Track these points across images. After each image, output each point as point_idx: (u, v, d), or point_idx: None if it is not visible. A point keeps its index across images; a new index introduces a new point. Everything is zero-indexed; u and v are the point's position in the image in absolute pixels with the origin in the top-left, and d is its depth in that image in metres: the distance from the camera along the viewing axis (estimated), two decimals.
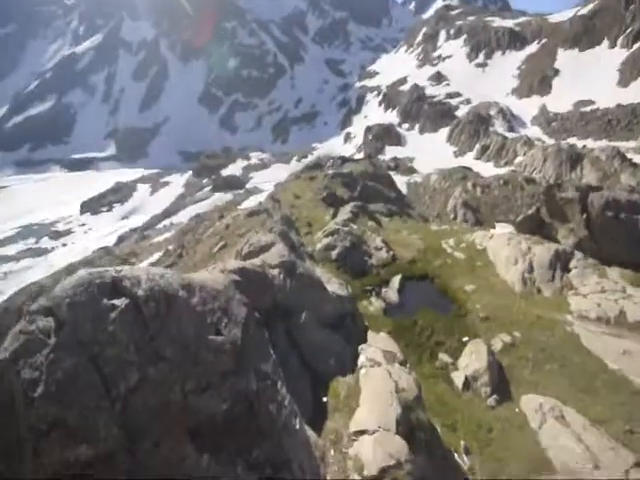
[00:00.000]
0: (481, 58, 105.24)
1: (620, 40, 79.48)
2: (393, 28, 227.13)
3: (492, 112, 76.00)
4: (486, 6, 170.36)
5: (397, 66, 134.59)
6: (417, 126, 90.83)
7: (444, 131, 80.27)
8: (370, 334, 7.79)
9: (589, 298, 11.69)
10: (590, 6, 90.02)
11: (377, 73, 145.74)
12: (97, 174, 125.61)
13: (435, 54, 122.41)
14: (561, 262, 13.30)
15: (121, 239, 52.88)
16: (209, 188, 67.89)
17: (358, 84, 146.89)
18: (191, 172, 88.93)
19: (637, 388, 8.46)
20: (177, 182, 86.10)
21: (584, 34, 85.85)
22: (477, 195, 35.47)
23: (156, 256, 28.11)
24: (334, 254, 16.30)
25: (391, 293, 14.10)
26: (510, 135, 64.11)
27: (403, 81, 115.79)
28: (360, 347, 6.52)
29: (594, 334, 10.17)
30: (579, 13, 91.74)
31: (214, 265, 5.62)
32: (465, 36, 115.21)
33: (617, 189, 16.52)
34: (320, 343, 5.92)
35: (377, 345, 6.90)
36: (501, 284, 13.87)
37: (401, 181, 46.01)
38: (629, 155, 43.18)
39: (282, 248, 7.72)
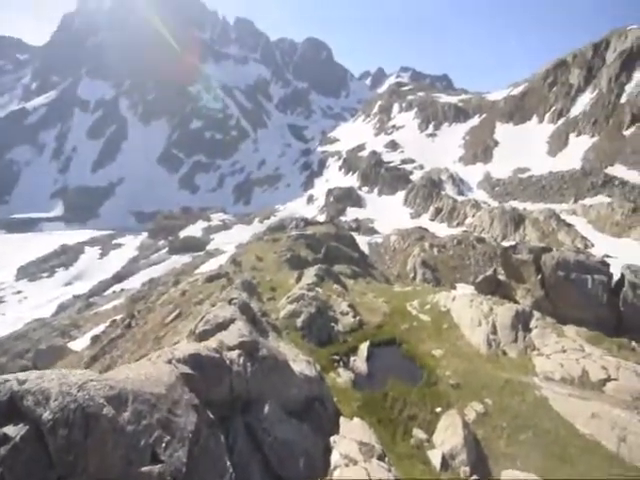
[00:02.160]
0: (431, 129, 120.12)
1: (547, 116, 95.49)
2: (351, 99, 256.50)
3: (443, 177, 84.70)
4: (433, 84, 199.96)
5: (356, 134, 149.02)
6: (376, 189, 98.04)
7: (401, 194, 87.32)
8: (343, 422, 7.34)
9: (552, 358, 12.17)
10: (520, 88, 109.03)
11: (337, 139, 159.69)
12: (40, 236, 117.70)
13: (390, 124, 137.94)
14: (522, 322, 13.99)
15: (62, 308, 48.13)
16: (165, 250, 65.79)
17: (320, 149, 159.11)
18: (146, 233, 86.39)
19: (610, 453, 8.54)
20: (130, 244, 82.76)
21: (517, 111, 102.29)
22: (434, 254, 37.61)
23: (101, 327, 25.69)
24: (299, 322, 15.93)
25: (359, 362, 13.76)
26: (460, 198, 71.05)
27: (362, 147, 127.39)
28: (332, 439, 6.04)
29: (561, 396, 10.42)
30: (511, 93, 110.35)
31: (160, 352, 4.99)
32: (416, 109, 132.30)
33: (565, 250, 18.33)
34: (287, 441, 5.30)
35: (351, 435, 6.47)
36: (467, 347, 14.12)
37: (363, 241, 47.92)
38: (563, 216, 49.07)
39: (243, 325, 7.30)
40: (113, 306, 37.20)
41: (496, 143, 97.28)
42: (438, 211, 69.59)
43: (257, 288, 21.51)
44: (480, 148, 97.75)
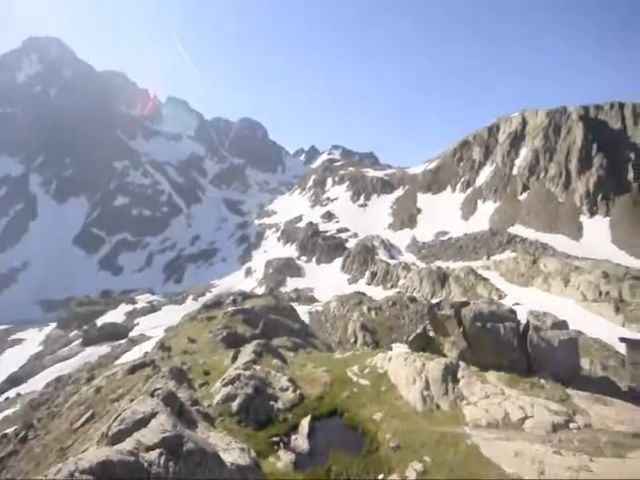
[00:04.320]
0: (362, 200, 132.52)
1: (458, 187, 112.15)
2: (287, 174, 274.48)
3: (375, 243, 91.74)
4: (361, 160, 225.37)
5: (293, 206, 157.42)
6: (314, 258, 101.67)
7: (338, 261, 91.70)
8: None
9: (479, 405, 13.25)
10: (434, 163, 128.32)
11: (275, 212, 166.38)
12: None
13: (324, 196, 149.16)
14: (451, 374, 15.16)
15: None
16: (78, 342, 57.99)
17: (257, 222, 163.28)
18: (55, 324, 75.90)
19: None
20: (33, 338, 71.49)
21: (433, 183, 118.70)
22: (372, 317, 39.20)
23: None
24: (235, 405, 15.16)
25: (301, 440, 13.35)
26: (392, 262, 76.92)
27: (299, 219, 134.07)
28: None
29: (489, 441, 11.26)
30: (427, 168, 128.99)
31: (61, 466, 4.34)
32: (347, 183, 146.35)
33: (480, 302, 20.83)
34: None
35: None
36: (405, 406, 14.67)
37: (303, 311, 48.17)
38: (479, 271, 55.61)
39: (166, 419, 6.90)
40: (4, 417, 30.77)
41: (419, 210, 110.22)
42: (373, 275, 73.81)
43: (188, 374, 20.17)
44: (406, 215, 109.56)
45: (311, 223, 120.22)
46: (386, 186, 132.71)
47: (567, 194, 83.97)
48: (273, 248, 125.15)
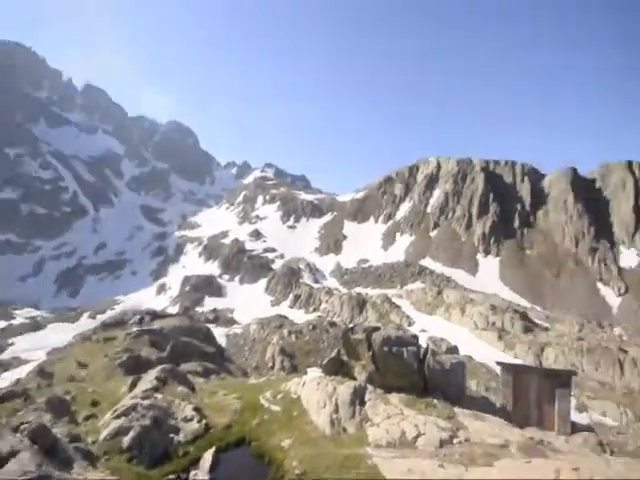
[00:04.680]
0: (291, 221, 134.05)
1: (380, 218, 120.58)
2: (216, 187, 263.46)
3: (301, 266, 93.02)
4: (294, 181, 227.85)
5: (219, 221, 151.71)
6: (237, 277, 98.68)
7: (262, 282, 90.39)
8: None
9: (381, 426, 14.22)
10: (361, 193, 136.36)
11: (199, 225, 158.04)
12: None
13: (254, 214, 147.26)
14: (359, 397, 16.03)
15: None
16: None
17: (178, 233, 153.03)
18: None
19: None
20: None
21: (359, 212, 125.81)
22: (292, 341, 39.38)
23: None
24: (126, 440, 13.77)
25: (201, 475, 12.72)
26: (315, 285, 78.67)
27: (224, 235, 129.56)
28: None
29: (387, 460, 12.14)
30: (355, 197, 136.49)
31: None
32: (279, 202, 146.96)
33: (389, 328, 22.51)
34: None
35: None
36: (314, 431, 15.02)
37: (221, 333, 46.18)
38: (394, 299, 60.11)
39: (29, 458, 6.11)
40: None
41: (344, 237, 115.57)
42: (297, 298, 74.42)
43: (71, 405, 17.83)
44: (332, 241, 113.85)
45: (237, 240, 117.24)
46: (316, 210, 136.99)
47: (468, 234, 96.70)
48: (193, 264, 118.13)
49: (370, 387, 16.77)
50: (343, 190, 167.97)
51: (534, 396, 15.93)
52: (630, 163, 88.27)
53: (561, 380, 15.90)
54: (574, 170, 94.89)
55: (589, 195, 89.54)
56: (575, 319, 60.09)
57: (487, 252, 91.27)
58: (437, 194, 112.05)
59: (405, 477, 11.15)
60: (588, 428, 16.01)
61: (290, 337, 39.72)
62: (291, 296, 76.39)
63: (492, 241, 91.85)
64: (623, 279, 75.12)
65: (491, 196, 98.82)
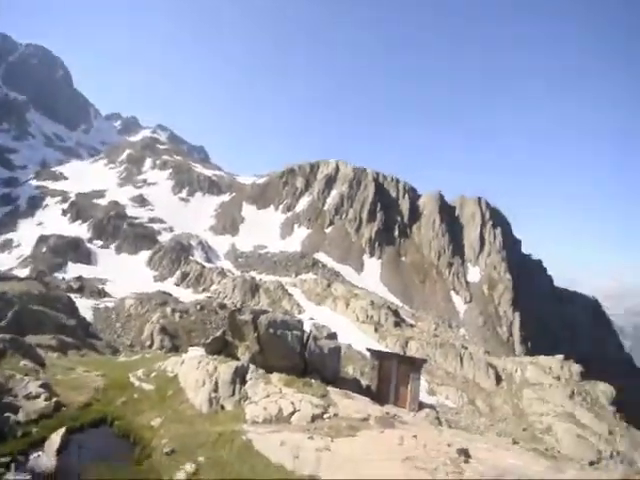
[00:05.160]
0: (184, 194, 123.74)
1: (280, 207, 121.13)
2: (91, 137, 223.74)
3: (193, 243, 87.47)
4: (190, 152, 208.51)
5: (93, 177, 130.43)
6: (113, 245, 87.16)
7: (145, 254, 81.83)
8: None
9: (259, 404, 14.70)
10: (263, 179, 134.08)
11: (65, 177, 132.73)
12: None
13: (139, 177, 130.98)
14: (240, 377, 16.20)
15: None
16: None
17: (35, 182, 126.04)
18: None
19: (288, 471, 11.04)
20: None
21: (260, 197, 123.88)
22: (176, 320, 37.10)
23: None
24: None
25: (45, 459, 11.17)
26: (207, 265, 75.15)
27: (100, 194, 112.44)
28: None
29: (262, 435, 12.67)
30: (256, 182, 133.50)
31: None
32: (171, 171, 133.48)
33: (277, 312, 23.12)
34: None
35: None
36: (190, 409, 14.66)
37: (87, 305, 40.43)
38: (287, 287, 61.86)
39: None
40: None
41: (242, 220, 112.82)
42: (185, 276, 69.82)
43: None
44: (229, 222, 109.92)
45: (117, 203, 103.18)
46: (213, 187, 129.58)
47: (358, 236, 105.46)
48: (53, 222, 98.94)
49: (252, 367, 17.11)
50: (241, 172, 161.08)
51: (394, 378, 18.60)
52: (479, 199, 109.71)
53: (415, 366, 18.96)
54: (441, 196, 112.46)
55: (450, 219, 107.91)
56: (433, 319, 71.69)
57: (372, 254, 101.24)
58: (334, 194, 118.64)
59: (277, 449, 11.86)
60: (431, 406, 19.52)
61: (174, 316, 37.15)
62: (178, 273, 71.19)
63: (377, 245, 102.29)
64: (469, 290, 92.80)
65: (379, 205, 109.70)
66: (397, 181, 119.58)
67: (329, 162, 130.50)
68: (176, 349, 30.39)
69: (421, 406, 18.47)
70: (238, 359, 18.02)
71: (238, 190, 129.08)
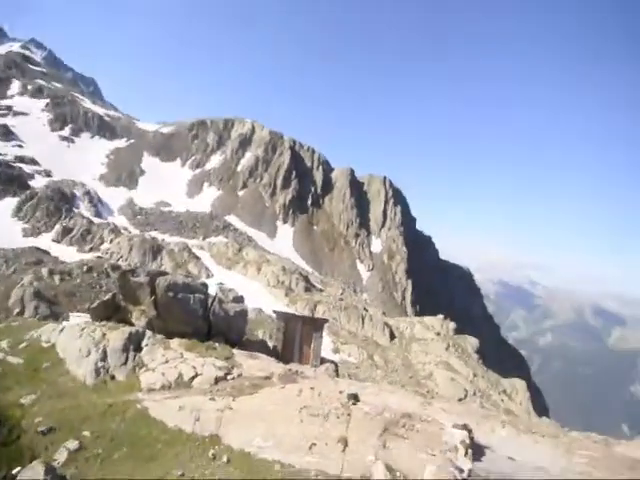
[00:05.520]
0: (67, 132, 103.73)
1: (188, 163, 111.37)
2: None
3: (78, 193, 75.40)
4: (76, 81, 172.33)
5: None
6: None
7: (10, 201, 67.44)
8: None
9: (156, 371, 13.89)
10: (169, 129, 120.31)
11: None
12: None
13: (3, 103, 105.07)
14: (134, 343, 14.97)
15: None
16: None
17: None
18: None
19: (188, 434, 10.82)
20: None
21: (163, 149, 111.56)
22: (55, 284, 32.24)
23: None
24: None
25: None
26: (97, 220, 66.00)
27: None
28: None
29: (158, 402, 12.08)
30: (160, 130, 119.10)
31: None
32: (49, 101, 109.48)
33: (177, 274, 21.64)
34: None
35: None
36: (72, 382, 13.16)
37: None
38: (194, 250, 58.57)
39: None
40: None
41: (142, 172, 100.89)
42: (67, 231, 59.99)
43: None
44: (125, 172, 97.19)
45: None
46: (106, 129, 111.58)
47: (272, 202, 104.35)
48: None
49: (149, 333, 15.97)
50: (142, 118, 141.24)
51: (298, 338, 19.42)
52: (385, 178, 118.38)
53: (317, 325, 20.04)
54: (352, 171, 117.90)
55: (359, 194, 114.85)
56: (340, 285, 76.46)
57: (285, 221, 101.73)
58: (249, 156, 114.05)
59: (176, 414, 11.46)
60: (331, 361, 21.04)
61: (52, 278, 31.79)
62: (58, 227, 60.62)
63: (290, 212, 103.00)
64: (372, 259, 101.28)
65: (294, 173, 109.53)
66: (313, 151, 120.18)
67: (245, 121, 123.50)
68: (56, 317, 26.46)
69: (322, 362, 19.80)
70: (132, 325, 16.56)
71: (138, 137, 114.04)
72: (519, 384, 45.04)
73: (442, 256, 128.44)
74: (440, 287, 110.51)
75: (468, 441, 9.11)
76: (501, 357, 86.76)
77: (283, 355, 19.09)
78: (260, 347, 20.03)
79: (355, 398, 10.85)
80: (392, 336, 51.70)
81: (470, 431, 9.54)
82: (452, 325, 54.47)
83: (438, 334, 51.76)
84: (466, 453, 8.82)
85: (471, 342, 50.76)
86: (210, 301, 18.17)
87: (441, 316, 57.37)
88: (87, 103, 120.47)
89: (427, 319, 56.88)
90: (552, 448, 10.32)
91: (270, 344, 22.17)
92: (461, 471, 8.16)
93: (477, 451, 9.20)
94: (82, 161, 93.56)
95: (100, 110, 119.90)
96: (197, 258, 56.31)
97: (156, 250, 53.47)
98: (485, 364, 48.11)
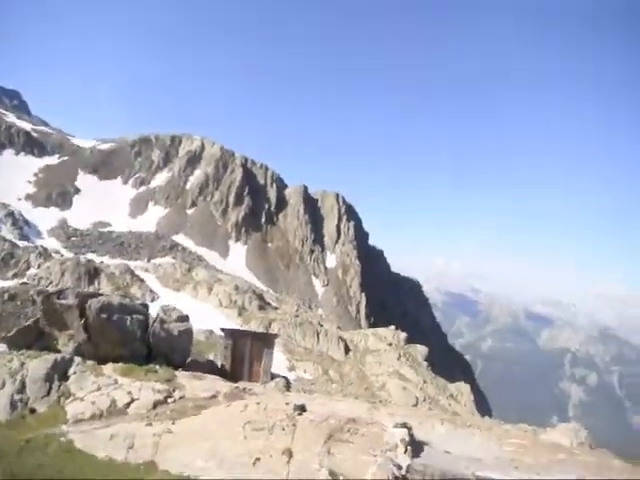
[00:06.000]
0: None
1: (130, 181, 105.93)
2: None
3: (0, 214, 68.35)
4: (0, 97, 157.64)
5: None
6: None
7: None
8: None
9: (85, 400, 12.80)
10: (108, 145, 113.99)
11: None
12: None
13: None
14: (59, 372, 13.72)
15: None
16: None
17: None
18: None
19: (119, 463, 10.01)
20: None
21: (102, 166, 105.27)
22: None
23: None
24: None
25: None
26: (22, 244, 59.95)
27: None
28: None
29: (87, 433, 11.12)
30: (98, 147, 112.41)
31: None
32: None
33: (114, 295, 20.35)
34: None
35: None
36: None
37: None
38: (137, 272, 55.24)
39: None
40: None
41: (77, 190, 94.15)
42: None
43: None
44: (57, 191, 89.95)
45: None
46: (34, 145, 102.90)
47: (224, 220, 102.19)
48: None
49: (78, 359, 14.77)
50: (80, 133, 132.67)
51: (248, 355, 18.99)
52: (337, 195, 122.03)
53: (268, 341, 19.80)
54: (306, 188, 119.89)
55: (313, 210, 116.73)
56: (295, 301, 75.89)
57: (238, 239, 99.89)
58: (198, 174, 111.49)
59: (106, 444, 10.61)
60: (282, 377, 20.72)
61: None
62: None
63: (243, 230, 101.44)
64: (327, 275, 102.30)
65: (246, 190, 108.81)
66: (266, 168, 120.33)
67: (193, 138, 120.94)
68: None
69: (272, 377, 19.46)
70: (59, 351, 15.17)
71: (72, 153, 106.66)
72: (464, 388, 47.39)
73: (393, 269, 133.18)
74: (392, 299, 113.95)
75: (408, 438, 9.46)
76: (449, 363, 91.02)
77: (232, 373, 18.52)
78: (209, 368, 19.25)
79: (302, 409, 10.83)
80: (347, 350, 52.01)
81: (410, 429, 9.92)
82: (403, 335, 56.17)
83: (390, 344, 53.05)
84: (405, 450, 9.14)
85: (420, 351, 52.64)
86: (151, 322, 17.25)
87: (393, 327, 59.01)
88: (10, 118, 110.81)
89: (380, 330, 58.17)
90: (486, 440, 11.04)
91: (219, 364, 21.41)
92: (399, 468, 8.45)
93: (416, 448, 9.57)
94: (5, 180, 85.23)
95: (26, 125, 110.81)
96: (141, 280, 52.99)
97: (93, 274, 49.50)
98: (434, 371, 50.03)
